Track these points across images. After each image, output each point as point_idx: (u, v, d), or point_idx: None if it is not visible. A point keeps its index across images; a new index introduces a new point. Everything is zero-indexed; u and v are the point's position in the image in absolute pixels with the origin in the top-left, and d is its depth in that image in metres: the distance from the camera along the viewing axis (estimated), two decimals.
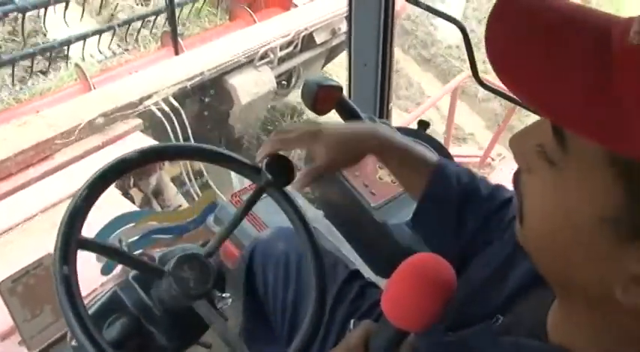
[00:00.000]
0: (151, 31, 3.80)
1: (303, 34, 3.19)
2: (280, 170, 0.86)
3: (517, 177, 0.50)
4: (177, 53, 3.04)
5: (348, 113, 1.04)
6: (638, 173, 0.37)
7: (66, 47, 3.36)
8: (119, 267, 1.07)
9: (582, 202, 0.41)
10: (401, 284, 0.61)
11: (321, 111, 1.02)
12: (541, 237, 0.47)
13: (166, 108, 2.71)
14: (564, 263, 0.45)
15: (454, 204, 0.83)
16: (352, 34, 1.30)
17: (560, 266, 0.46)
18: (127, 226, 1.08)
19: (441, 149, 1.19)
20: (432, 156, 0.86)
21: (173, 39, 2.99)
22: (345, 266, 1.06)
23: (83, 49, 3.47)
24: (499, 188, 0.85)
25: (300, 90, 0.96)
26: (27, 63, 3.33)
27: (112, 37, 3.70)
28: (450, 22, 1.20)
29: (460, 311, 0.67)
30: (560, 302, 0.53)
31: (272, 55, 3.07)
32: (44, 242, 1.04)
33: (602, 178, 0.39)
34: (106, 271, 1.09)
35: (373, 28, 1.25)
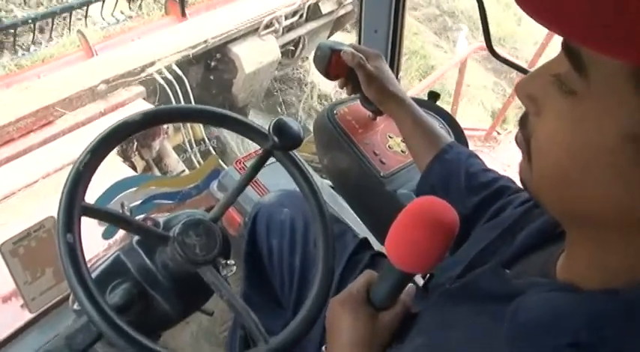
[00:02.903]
0: None
1: (308, 3, 3.13)
2: (287, 133, 0.83)
3: (523, 121, 0.49)
4: (183, 18, 2.97)
5: None
6: None
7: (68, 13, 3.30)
8: (122, 231, 1.05)
9: (603, 123, 0.40)
10: (404, 225, 0.59)
11: (334, 76, 0.99)
12: (555, 171, 0.46)
13: (169, 76, 2.67)
14: (578, 191, 0.44)
15: (462, 168, 0.87)
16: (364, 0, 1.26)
17: (576, 196, 0.45)
18: (128, 191, 1.06)
19: (450, 120, 1.16)
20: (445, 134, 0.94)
21: (180, 3, 2.92)
22: (353, 236, 1.05)
23: (86, 15, 3.40)
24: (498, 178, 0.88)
25: (304, 61, 0.94)
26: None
27: (116, 4, 3.62)
28: None
29: (465, 271, 0.67)
30: (569, 242, 0.52)
31: (277, 24, 3.02)
32: (46, 206, 1.02)
33: (624, 97, 0.38)
34: (107, 235, 1.07)
35: None
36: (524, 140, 0.49)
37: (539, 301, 0.49)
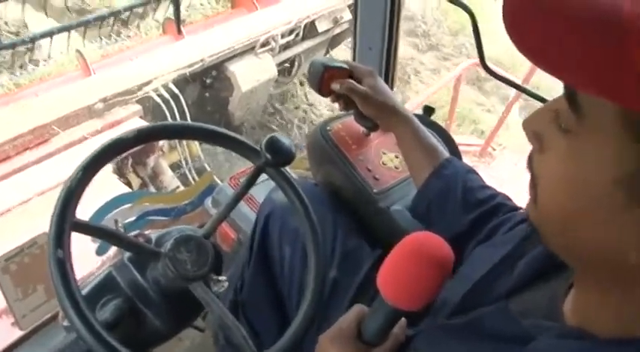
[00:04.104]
0: (152, 17, 3.76)
1: (305, 22, 3.17)
2: (279, 150, 0.84)
3: (530, 160, 0.50)
4: (180, 36, 3.00)
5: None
6: None
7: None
8: (114, 247, 1.05)
9: (596, 166, 0.41)
10: (397, 260, 0.59)
11: (327, 93, 1.00)
12: (556, 210, 0.46)
13: (166, 95, 2.69)
14: (580, 234, 0.45)
15: (460, 184, 0.86)
16: (358, 17, 1.28)
17: (576, 238, 0.45)
18: (123, 207, 1.06)
19: (445, 136, 1.16)
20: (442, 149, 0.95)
21: (176, 21, 2.95)
22: (369, 250, 1.02)
23: (84, 34, 3.43)
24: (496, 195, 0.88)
25: (299, 79, 0.96)
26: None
27: (114, 23, 3.65)
28: (459, 7, 1.17)
29: (466, 298, 0.66)
30: (578, 285, 0.52)
31: (273, 43, 3.05)
32: (40, 224, 1.02)
33: (615, 140, 0.39)
34: (100, 251, 1.07)
35: (379, 11, 1.23)
36: (532, 182, 0.49)
37: (557, 348, 0.48)
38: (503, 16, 0.40)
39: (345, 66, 0.99)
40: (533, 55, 0.39)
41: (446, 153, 0.95)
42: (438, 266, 0.57)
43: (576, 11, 0.37)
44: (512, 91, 3.24)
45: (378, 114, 0.97)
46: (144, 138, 0.80)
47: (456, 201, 0.87)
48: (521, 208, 0.86)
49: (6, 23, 3.64)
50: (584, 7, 0.37)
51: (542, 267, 0.61)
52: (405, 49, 5.20)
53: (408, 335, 0.69)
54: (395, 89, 1.35)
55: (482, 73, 4.62)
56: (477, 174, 0.93)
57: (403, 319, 0.67)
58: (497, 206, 0.85)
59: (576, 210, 0.44)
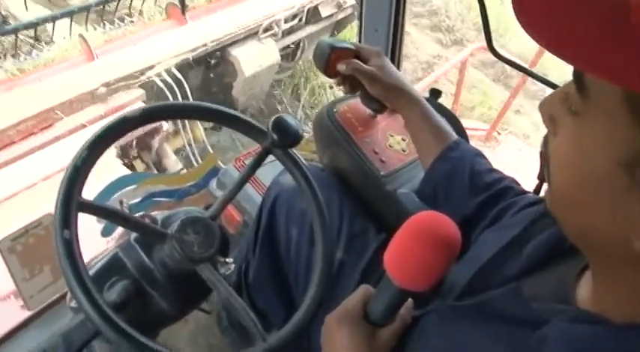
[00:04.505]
0: (155, 2, 3.73)
1: (307, 6, 3.14)
2: (286, 131, 0.83)
3: (545, 143, 0.50)
4: (183, 21, 2.98)
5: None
6: None
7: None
8: (120, 229, 1.05)
9: (600, 147, 0.41)
10: (404, 240, 0.58)
11: (333, 74, 0.98)
12: (565, 193, 0.47)
13: (169, 79, 2.68)
14: (587, 217, 0.45)
15: (467, 167, 0.85)
16: None
17: (584, 221, 0.45)
18: (127, 188, 1.05)
19: (452, 118, 1.15)
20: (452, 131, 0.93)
21: (181, 4, 2.92)
22: (375, 233, 1.02)
23: (87, 18, 3.40)
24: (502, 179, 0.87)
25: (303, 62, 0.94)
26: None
27: (117, 8, 3.63)
28: None
29: (474, 281, 0.66)
30: (591, 271, 0.51)
31: (276, 28, 3.02)
32: (45, 209, 1.02)
33: (619, 122, 0.39)
34: (106, 233, 1.06)
35: None
36: (546, 166, 0.49)
37: (570, 333, 0.47)
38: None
39: (351, 46, 0.98)
40: (538, 33, 0.39)
41: (454, 136, 0.93)
42: (444, 245, 0.57)
43: None
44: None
45: (386, 94, 0.95)
46: (149, 117, 0.79)
47: (462, 184, 0.86)
48: (528, 192, 0.85)
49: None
50: None
51: (552, 250, 0.60)
52: (429, 45, 5.09)
53: (415, 316, 0.68)
54: (401, 70, 1.34)
55: (509, 70, 4.58)
56: (485, 157, 0.91)
57: (410, 300, 0.67)
58: (504, 189, 0.84)
59: (582, 192, 0.44)
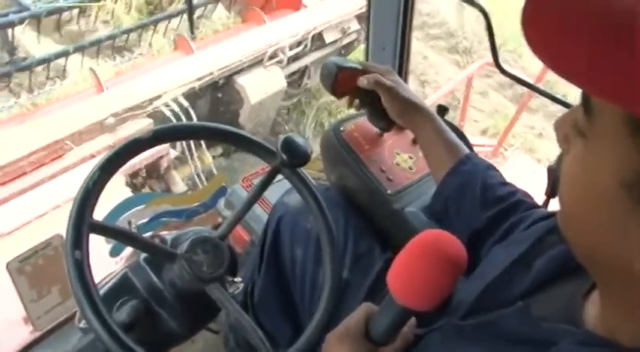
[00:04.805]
0: (164, 35, 3.82)
1: (312, 33, 3.20)
2: (295, 151, 0.84)
3: (560, 160, 0.50)
4: (191, 52, 3.05)
5: (368, 96, 1.00)
6: None
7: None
8: (129, 249, 1.05)
9: (604, 169, 0.42)
10: (408, 259, 0.58)
11: (340, 93, 0.99)
12: (573, 213, 0.47)
13: (176, 109, 2.72)
14: (594, 238, 0.45)
15: (479, 181, 0.85)
16: (372, 17, 1.28)
17: (591, 242, 0.45)
18: (136, 209, 1.06)
19: (459, 135, 1.15)
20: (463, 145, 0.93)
21: (190, 26, 2.98)
22: (381, 252, 1.01)
23: (97, 53, 3.49)
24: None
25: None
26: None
27: (127, 41, 3.72)
28: (473, 7, 1.18)
29: (480, 299, 0.65)
30: (599, 293, 0.51)
31: (281, 55, 3.08)
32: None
33: (622, 144, 0.39)
34: (114, 253, 1.06)
35: (393, 11, 1.23)
36: (560, 185, 0.49)
37: None
38: (523, 13, 0.41)
39: (358, 66, 0.98)
40: (543, 53, 0.39)
41: (466, 150, 0.93)
42: (449, 264, 0.56)
43: (590, 10, 0.38)
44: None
45: (403, 110, 0.95)
46: (160, 138, 0.81)
47: (474, 197, 0.85)
48: (540, 206, 0.85)
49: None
50: (598, 7, 0.38)
51: (562, 267, 0.60)
52: (449, 68, 5.05)
53: (418, 334, 0.67)
54: (410, 85, 1.35)
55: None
56: (497, 170, 0.91)
57: (413, 318, 0.66)
58: (516, 203, 0.83)
59: (589, 213, 0.44)
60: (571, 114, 0.46)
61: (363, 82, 0.96)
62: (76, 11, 3.74)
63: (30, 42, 3.61)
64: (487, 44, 1.25)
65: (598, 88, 0.37)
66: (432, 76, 4.89)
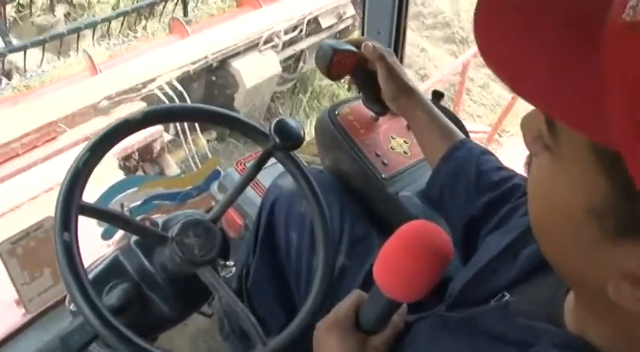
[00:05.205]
0: (159, 20, 3.78)
1: (308, 18, 3.17)
2: (288, 133, 0.83)
3: (529, 160, 0.47)
4: (185, 35, 3.02)
5: (363, 79, 0.99)
6: (623, 166, 0.33)
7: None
8: (121, 232, 1.04)
9: (571, 191, 0.39)
10: (392, 252, 0.57)
11: (336, 76, 0.97)
12: (539, 223, 0.45)
13: (170, 92, 2.71)
14: (560, 252, 0.43)
15: (473, 166, 0.84)
16: (367, 0, 1.26)
17: (558, 254, 0.44)
18: (129, 191, 1.05)
19: (455, 121, 1.14)
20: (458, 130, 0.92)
21: (184, 9, 2.94)
22: (378, 236, 1.00)
23: (93, 36, 3.45)
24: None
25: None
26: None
27: (122, 25, 3.67)
28: None
29: (465, 289, 0.65)
30: (573, 295, 0.50)
31: (277, 39, 3.06)
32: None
33: (589, 169, 0.36)
34: (106, 236, 1.06)
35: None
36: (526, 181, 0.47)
37: None
38: (474, 26, 0.38)
39: (354, 49, 0.97)
40: (498, 67, 0.36)
41: (461, 135, 0.92)
42: (433, 256, 0.55)
43: (552, 17, 0.36)
44: None
45: (398, 92, 0.93)
46: (151, 119, 0.79)
47: (469, 183, 0.84)
48: None
49: None
50: (557, 21, 0.35)
51: (544, 259, 0.59)
52: (446, 58, 4.97)
53: (409, 320, 0.67)
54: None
55: None
56: (493, 154, 0.90)
57: (404, 306, 0.66)
58: (512, 188, 0.81)
59: (555, 230, 0.42)
60: (537, 122, 0.42)
61: (369, 48, 0.94)
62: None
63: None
64: None
65: (560, 113, 0.34)
66: (432, 70, 4.81)
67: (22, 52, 3.08)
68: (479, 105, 4.59)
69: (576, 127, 0.34)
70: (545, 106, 0.35)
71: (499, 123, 3.30)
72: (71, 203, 0.70)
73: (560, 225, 0.41)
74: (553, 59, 0.34)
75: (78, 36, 3.37)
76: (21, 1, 3.59)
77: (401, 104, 0.94)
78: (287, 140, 0.83)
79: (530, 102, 0.36)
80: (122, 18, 3.55)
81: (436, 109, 0.94)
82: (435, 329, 0.62)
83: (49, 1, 3.70)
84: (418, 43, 4.97)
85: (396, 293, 0.58)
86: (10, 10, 3.61)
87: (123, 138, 0.79)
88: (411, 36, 4.78)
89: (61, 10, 3.47)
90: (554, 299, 0.52)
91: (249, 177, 0.86)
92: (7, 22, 3.47)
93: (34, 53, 3.28)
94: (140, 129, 0.79)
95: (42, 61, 3.39)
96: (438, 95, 1.15)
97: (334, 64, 0.95)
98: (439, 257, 0.55)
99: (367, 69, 0.98)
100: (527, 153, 0.46)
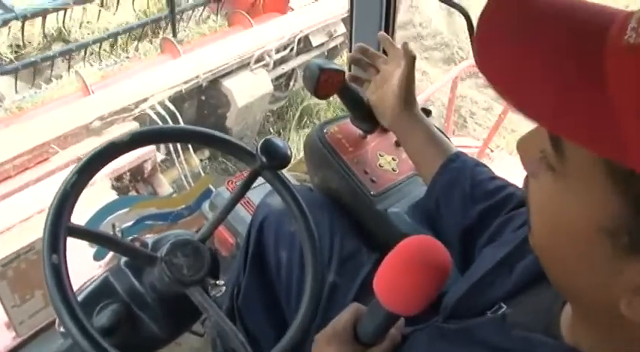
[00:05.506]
0: (151, 41, 3.81)
1: (299, 36, 3.20)
2: (274, 153, 0.84)
3: (526, 182, 0.48)
4: (177, 55, 3.04)
5: (351, 98, 1.01)
6: (637, 183, 0.34)
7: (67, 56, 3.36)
8: (112, 252, 1.04)
9: (580, 211, 0.39)
10: (393, 266, 0.59)
11: (323, 95, 0.98)
12: (544, 243, 0.45)
13: (162, 112, 2.72)
14: (567, 270, 0.43)
15: (468, 177, 0.85)
16: (354, 24, 1.29)
17: (564, 273, 0.44)
18: (120, 212, 1.05)
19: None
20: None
21: (172, 30, 2.96)
22: (368, 253, 1.00)
23: (84, 57, 3.47)
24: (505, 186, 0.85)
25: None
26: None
27: (114, 46, 3.70)
28: (454, 8, 1.18)
29: (461, 301, 0.66)
30: (573, 311, 0.50)
31: (268, 58, 3.08)
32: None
33: (599, 187, 0.36)
34: (98, 257, 1.06)
35: (375, 18, 1.24)
36: (526, 200, 0.47)
37: None
38: (476, 59, 0.38)
39: (340, 68, 0.99)
40: (506, 94, 0.36)
41: (455, 148, 0.93)
42: (433, 270, 0.57)
43: (554, 41, 0.36)
44: None
45: (404, 103, 0.92)
46: (138, 141, 0.80)
47: (463, 194, 0.85)
48: None
49: None
50: (563, 37, 0.36)
51: (542, 272, 0.60)
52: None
53: (406, 333, 0.68)
54: None
55: None
56: (486, 166, 0.91)
57: (402, 319, 0.66)
58: (506, 197, 0.82)
59: (561, 248, 0.42)
60: (538, 142, 0.42)
61: (406, 46, 0.93)
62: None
63: None
64: None
65: (568, 130, 0.34)
66: (435, 94, 4.81)
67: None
68: (484, 129, 4.56)
69: (588, 146, 0.34)
70: (556, 127, 0.35)
71: (489, 139, 3.31)
72: (59, 225, 0.71)
73: (568, 244, 0.41)
74: (559, 82, 0.35)
75: (69, 57, 3.39)
76: (18, 43, 3.62)
77: (403, 116, 0.93)
78: (274, 159, 0.84)
79: (541, 125, 0.36)
80: (113, 39, 3.58)
81: (431, 124, 0.95)
82: (432, 340, 0.63)
83: (44, 41, 3.72)
84: (419, 66, 4.90)
85: (395, 307, 0.59)
86: (6, 50, 3.64)
87: (110, 161, 0.79)
88: None
89: (57, 48, 3.49)
90: (551, 311, 0.53)
91: (237, 197, 0.86)
92: (4, 62, 3.50)
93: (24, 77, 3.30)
94: (128, 151, 0.80)
95: (33, 82, 3.41)
96: (426, 112, 1.17)
97: (321, 83, 0.97)
98: (439, 271, 0.57)
99: (353, 88, 1.00)
100: (517, 170, 0.47)
